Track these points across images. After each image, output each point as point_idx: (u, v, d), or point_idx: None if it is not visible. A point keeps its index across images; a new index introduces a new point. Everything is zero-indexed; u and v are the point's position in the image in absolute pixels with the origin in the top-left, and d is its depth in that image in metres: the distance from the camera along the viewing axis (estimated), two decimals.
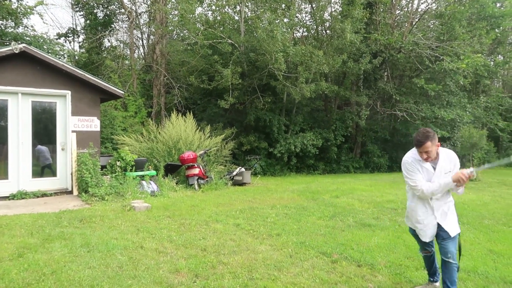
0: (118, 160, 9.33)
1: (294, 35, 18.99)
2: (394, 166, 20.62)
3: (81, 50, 19.99)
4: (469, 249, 5.15)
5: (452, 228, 3.29)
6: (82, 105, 9.29)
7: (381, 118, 20.92)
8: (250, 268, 4.21)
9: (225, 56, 15.80)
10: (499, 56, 24.16)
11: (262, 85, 16.16)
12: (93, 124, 9.43)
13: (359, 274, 4.13)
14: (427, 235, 3.45)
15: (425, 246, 3.60)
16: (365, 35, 17.07)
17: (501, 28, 21.71)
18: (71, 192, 8.93)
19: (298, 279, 3.95)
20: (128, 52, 21.43)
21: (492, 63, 20.92)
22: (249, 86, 16.12)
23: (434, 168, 3.36)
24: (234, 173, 12.02)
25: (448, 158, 3.32)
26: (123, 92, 10.14)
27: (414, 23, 20.22)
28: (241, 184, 11.92)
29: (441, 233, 3.36)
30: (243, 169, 12.14)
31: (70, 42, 20.84)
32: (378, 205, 8.41)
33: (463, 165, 17.40)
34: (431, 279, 3.75)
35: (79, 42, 21.25)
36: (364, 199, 9.13)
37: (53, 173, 9.08)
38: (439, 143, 3.27)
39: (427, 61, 17.70)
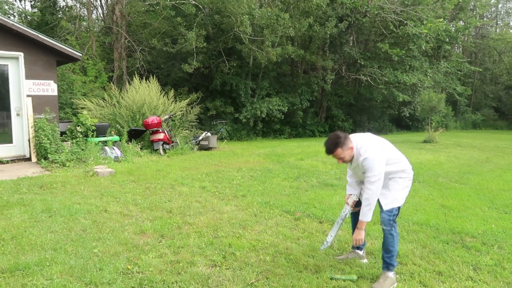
0: (78, 125, 9.02)
1: None
2: (358, 130, 21.17)
3: (33, 10, 18.67)
4: (423, 204, 5.47)
5: (385, 202, 3.11)
6: (37, 68, 8.80)
7: (346, 82, 21.19)
8: (216, 227, 4.29)
9: (188, 18, 15.25)
10: (460, 21, 24.73)
11: (228, 48, 15.84)
12: (49, 88, 8.99)
13: (320, 230, 4.30)
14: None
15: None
16: None
17: None
18: (29, 159, 8.61)
19: (262, 236, 4.07)
20: (86, 13, 20.25)
21: (453, 28, 21.39)
22: (214, 50, 15.76)
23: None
24: (200, 137, 11.96)
25: (359, 161, 3.04)
26: (80, 55, 9.66)
27: None
28: (207, 148, 11.91)
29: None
30: (209, 134, 12.09)
31: (20, 1, 19.42)
32: (340, 166, 8.68)
33: (421, 128, 18.08)
34: (353, 249, 3.61)
35: (31, 1, 19.80)
36: (327, 161, 9.38)
37: (9, 140, 8.67)
38: (351, 146, 3.02)
39: (391, 25, 17.87)
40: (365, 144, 3.04)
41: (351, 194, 3.38)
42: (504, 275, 3.23)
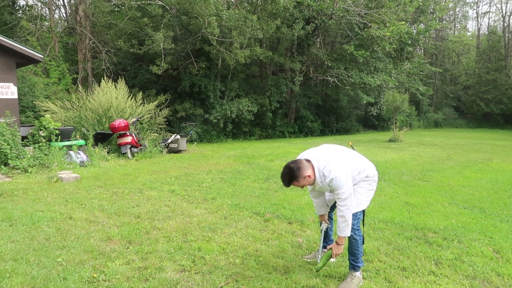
0: (41, 129, 8.70)
1: None
2: (326, 130, 21.57)
3: None
4: (389, 202, 5.64)
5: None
6: None
7: (314, 84, 21.54)
8: (185, 231, 4.26)
9: (155, 19, 15.04)
10: (421, 24, 25.67)
11: (196, 50, 15.74)
12: (9, 91, 8.64)
13: (290, 230, 4.35)
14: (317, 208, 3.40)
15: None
16: (298, 0, 17.15)
17: None
18: None
19: (232, 238, 4.08)
20: (47, 12, 19.56)
21: (414, 31, 22.19)
22: (182, 51, 15.61)
23: None
24: (169, 140, 11.81)
25: (325, 182, 2.94)
26: (42, 56, 9.33)
27: None
28: (176, 151, 11.78)
29: None
30: (178, 136, 11.96)
31: None
32: None
33: (387, 128, 18.57)
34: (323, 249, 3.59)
35: None
36: None
37: None
38: (309, 174, 2.91)
39: (356, 28, 18.34)
40: (327, 164, 2.92)
41: (323, 215, 3.39)
42: (463, 268, 3.38)
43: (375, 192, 3.26)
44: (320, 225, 3.44)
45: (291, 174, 2.88)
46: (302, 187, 3.00)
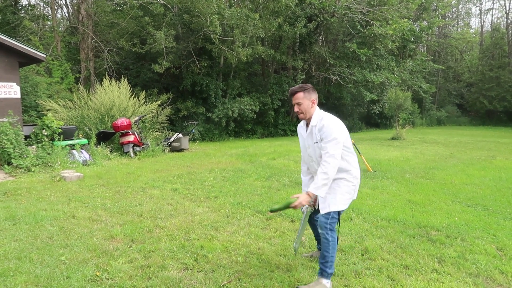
0: (43, 129, 8.72)
1: None
2: None
3: None
4: (391, 200, 5.63)
5: (322, 205, 2.97)
6: None
7: (316, 81, 21.47)
8: (187, 230, 4.26)
9: (157, 18, 15.04)
10: (424, 21, 25.58)
11: (198, 48, 15.74)
12: (12, 90, 8.66)
13: (292, 229, 4.35)
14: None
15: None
16: None
17: None
18: None
19: (234, 236, 4.08)
20: (50, 12, 19.60)
21: (417, 28, 22.11)
22: (184, 50, 15.61)
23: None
24: (172, 139, 11.83)
25: (318, 126, 2.93)
26: (44, 55, 9.34)
27: None
28: (179, 150, 11.79)
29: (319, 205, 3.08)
30: (180, 135, 11.98)
31: None
32: None
33: (390, 126, 18.58)
34: (318, 246, 3.56)
35: None
36: (299, 160, 9.45)
37: None
38: (314, 100, 2.98)
39: (358, 25, 18.29)
40: (326, 115, 2.97)
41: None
42: (467, 266, 3.37)
43: (352, 200, 3.07)
44: (302, 211, 3.30)
45: (304, 86, 2.97)
46: (299, 105, 2.96)
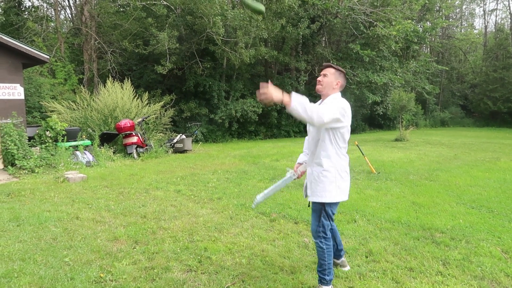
0: (47, 130, 8.75)
1: None
2: None
3: None
4: (395, 202, 5.60)
5: (313, 192, 2.89)
6: (1, 71, 8.49)
7: None
8: (191, 231, 4.26)
9: (160, 19, 15.08)
10: (427, 22, 25.52)
11: (201, 50, 15.77)
12: (16, 91, 8.69)
13: (296, 230, 4.34)
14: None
15: None
16: None
17: None
18: None
19: (238, 238, 4.07)
20: (53, 13, 19.69)
21: (421, 29, 22.07)
22: (187, 51, 15.64)
23: None
24: (175, 140, 11.84)
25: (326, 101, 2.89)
26: (48, 57, 9.38)
27: None
28: (182, 151, 11.80)
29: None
30: (183, 136, 11.99)
31: None
32: None
33: (393, 127, 18.52)
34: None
35: None
36: None
37: None
38: (340, 82, 2.92)
39: (362, 26, 18.26)
40: (340, 98, 2.86)
41: (301, 163, 3.22)
42: (472, 268, 3.35)
43: (342, 199, 2.91)
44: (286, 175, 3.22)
45: (337, 67, 2.93)
46: (324, 76, 2.90)
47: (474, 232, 4.26)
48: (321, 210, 2.89)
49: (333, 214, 2.96)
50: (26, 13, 17.97)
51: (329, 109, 2.61)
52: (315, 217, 2.93)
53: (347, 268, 3.32)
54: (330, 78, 2.90)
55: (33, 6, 18.79)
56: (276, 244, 3.91)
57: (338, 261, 3.33)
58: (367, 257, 3.60)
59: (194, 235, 4.16)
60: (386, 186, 6.67)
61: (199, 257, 3.55)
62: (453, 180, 7.18)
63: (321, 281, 2.93)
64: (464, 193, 6.19)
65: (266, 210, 5.11)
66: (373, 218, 4.74)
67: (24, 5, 18.20)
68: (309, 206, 3.13)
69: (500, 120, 29.28)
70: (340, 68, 2.95)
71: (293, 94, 2.53)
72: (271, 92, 2.50)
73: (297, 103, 2.49)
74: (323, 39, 20.73)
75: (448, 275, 3.24)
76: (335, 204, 2.93)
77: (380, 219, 4.74)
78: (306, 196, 3.05)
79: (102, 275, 3.17)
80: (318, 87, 2.95)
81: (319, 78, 2.94)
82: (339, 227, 4.34)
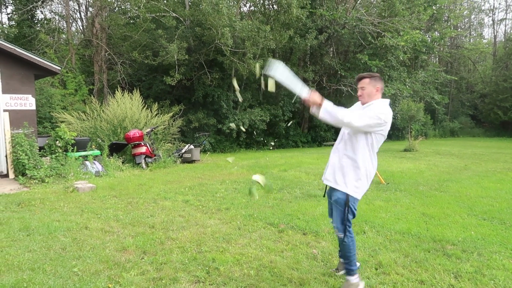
0: (57, 140, 8.85)
1: (241, 9, 18.74)
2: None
3: (11, 23, 18.40)
4: (405, 213, 5.54)
5: (338, 181, 3.07)
6: (14, 82, 8.64)
7: (327, 93, 21.42)
8: (199, 242, 4.25)
9: (169, 31, 15.28)
10: (436, 32, 25.48)
11: (209, 60, 15.90)
12: (27, 102, 8.83)
13: (304, 242, 4.31)
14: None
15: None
16: (310, 10, 17.22)
17: (437, 5, 22.83)
18: (6, 176, 8.39)
19: (246, 249, 4.05)
20: (65, 25, 20.06)
21: (429, 39, 22.04)
22: (196, 62, 15.79)
23: None
24: (183, 150, 11.89)
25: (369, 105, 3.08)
26: (59, 68, 9.53)
27: None
28: (190, 161, 11.84)
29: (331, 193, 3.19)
30: (192, 146, 12.04)
31: None
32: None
33: (402, 137, 18.46)
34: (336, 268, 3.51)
35: (8, 14, 19.55)
36: (310, 172, 9.44)
37: None
38: (379, 88, 3.08)
39: (369, 37, 18.29)
40: (385, 104, 3.05)
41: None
42: (484, 281, 3.28)
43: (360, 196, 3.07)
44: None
45: (372, 74, 3.11)
46: (362, 88, 3.08)
47: (486, 244, 4.18)
48: (345, 205, 3.02)
49: (355, 210, 3.09)
50: (39, 25, 18.33)
51: (363, 115, 2.89)
52: (338, 213, 3.07)
53: (343, 272, 3.34)
54: (368, 88, 3.08)
55: (45, 19, 19.17)
56: (285, 256, 3.88)
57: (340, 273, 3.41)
58: (376, 269, 3.55)
59: (202, 245, 4.14)
60: (395, 197, 6.60)
61: (207, 268, 3.53)
62: (464, 191, 7.09)
63: (349, 272, 3.08)
64: (475, 204, 6.10)
65: (274, 221, 5.08)
66: (382, 230, 4.69)
67: (37, 17, 18.59)
68: (324, 196, 3.35)
69: (511, 130, 28.94)
70: (372, 74, 3.12)
71: (326, 101, 2.88)
72: (315, 97, 2.91)
73: (329, 106, 2.86)
74: (331, 49, 20.79)
75: None
76: (357, 200, 3.07)
77: (389, 230, 4.68)
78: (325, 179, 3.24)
79: (110, 285, 3.17)
80: (360, 99, 3.15)
81: (358, 93, 3.14)
82: None
